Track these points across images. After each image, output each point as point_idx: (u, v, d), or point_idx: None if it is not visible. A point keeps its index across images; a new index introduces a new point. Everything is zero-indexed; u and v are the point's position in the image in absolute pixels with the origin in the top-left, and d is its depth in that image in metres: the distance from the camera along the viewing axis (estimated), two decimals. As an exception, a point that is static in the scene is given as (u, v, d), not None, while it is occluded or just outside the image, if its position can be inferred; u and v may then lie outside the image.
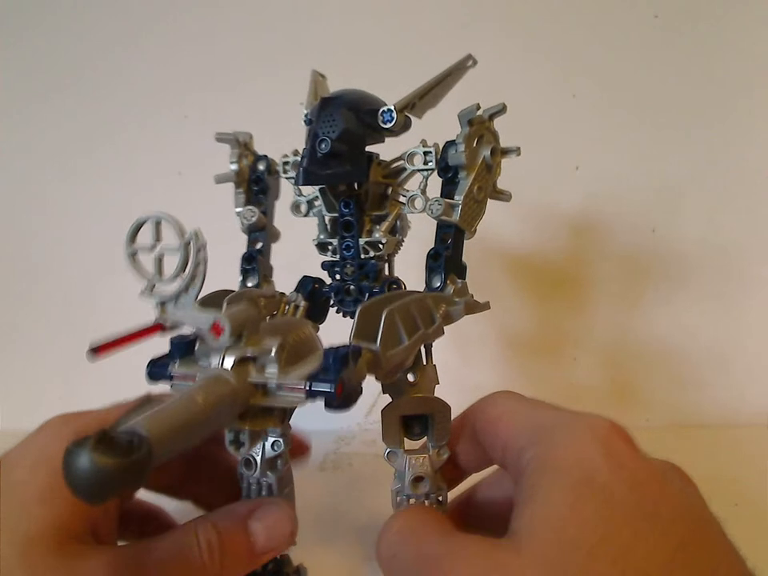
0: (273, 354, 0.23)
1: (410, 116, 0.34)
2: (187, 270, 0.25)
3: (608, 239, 0.69)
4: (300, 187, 0.38)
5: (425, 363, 0.34)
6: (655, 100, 0.68)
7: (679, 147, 0.68)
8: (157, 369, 0.26)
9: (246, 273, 0.38)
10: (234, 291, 0.32)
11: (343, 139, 0.33)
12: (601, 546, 0.22)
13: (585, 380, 0.70)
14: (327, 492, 0.54)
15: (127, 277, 0.28)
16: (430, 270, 0.34)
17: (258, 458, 0.33)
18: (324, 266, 0.37)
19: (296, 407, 0.32)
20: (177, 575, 0.28)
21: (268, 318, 0.35)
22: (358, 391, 0.24)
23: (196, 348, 0.25)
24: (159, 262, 0.25)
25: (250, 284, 0.38)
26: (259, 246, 0.38)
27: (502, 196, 0.36)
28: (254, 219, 0.37)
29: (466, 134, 0.33)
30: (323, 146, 0.33)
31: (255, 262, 0.38)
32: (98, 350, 0.24)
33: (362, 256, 0.35)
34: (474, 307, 0.34)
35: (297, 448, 0.38)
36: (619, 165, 0.69)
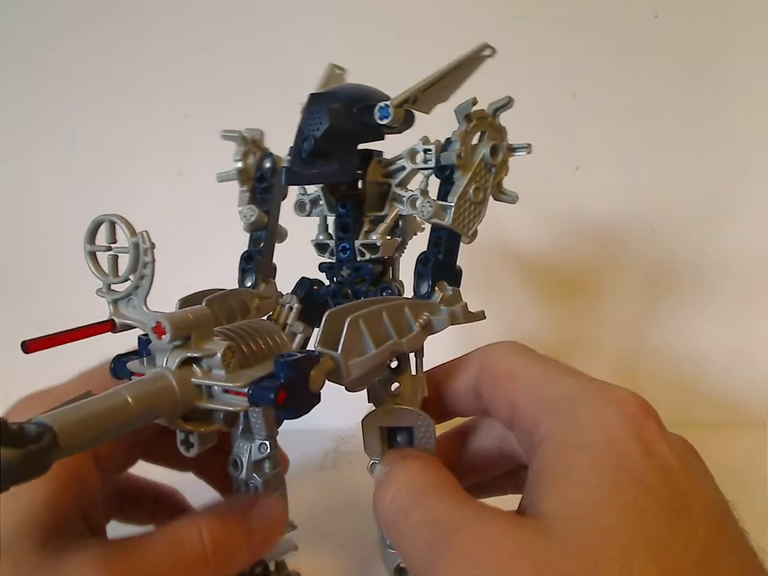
0: (218, 356, 0.23)
1: (411, 111, 0.32)
2: (137, 271, 0.25)
3: (607, 239, 0.69)
4: (305, 186, 0.37)
5: (413, 373, 0.31)
6: (655, 100, 0.68)
7: (679, 147, 0.68)
8: (119, 365, 0.26)
9: (244, 272, 0.37)
10: (223, 290, 0.32)
11: (329, 137, 0.32)
12: (638, 538, 0.20)
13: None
14: (327, 491, 0.54)
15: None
16: (419, 276, 0.32)
17: (245, 460, 0.33)
18: (321, 267, 0.36)
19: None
20: (175, 571, 0.26)
21: (265, 318, 0.34)
22: (311, 398, 0.23)
23: (149, 346, 0.24)
24: (114, 261, 0.25)
25: (247, 284, 0.37)
26: (260, 245, 0.37)
27: (505, 197, 0.33)
28: (253, 218, 0.36)
29: (462, 130, 0.31)
30: (306, 144, 0.32)
31: (254, 262, 0.37)
32: (30, 345, 0.24)
33: (358, 258, 0.34)
34: (464, 316, 0.31)
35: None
36: (619, 165, 0.69)
